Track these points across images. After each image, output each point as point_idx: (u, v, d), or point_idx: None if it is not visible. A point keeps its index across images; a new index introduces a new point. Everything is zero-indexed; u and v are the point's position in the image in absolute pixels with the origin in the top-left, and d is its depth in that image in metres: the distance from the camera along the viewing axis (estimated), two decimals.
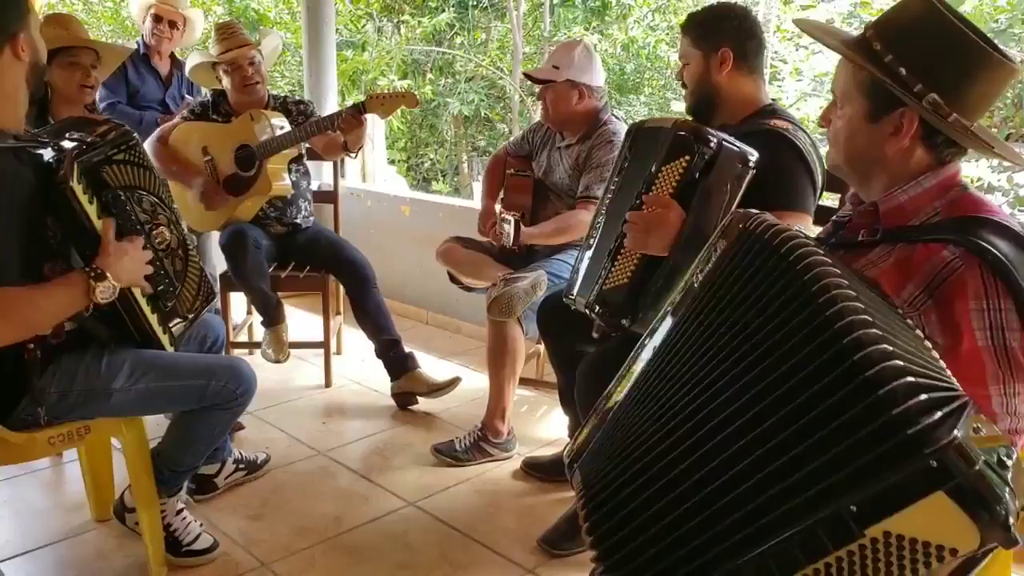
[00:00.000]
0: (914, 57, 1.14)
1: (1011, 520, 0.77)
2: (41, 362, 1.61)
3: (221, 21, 3.10)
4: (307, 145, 3.14)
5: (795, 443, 0.87)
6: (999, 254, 1.05)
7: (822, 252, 0.99)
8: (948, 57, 1.13)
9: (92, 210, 1.56)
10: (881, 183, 1.22)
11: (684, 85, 2.02)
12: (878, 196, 1.23)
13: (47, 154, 1.52)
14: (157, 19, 3.49)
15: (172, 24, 3.52)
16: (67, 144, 1.56)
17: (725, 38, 1.90)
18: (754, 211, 1.12)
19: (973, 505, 0.78)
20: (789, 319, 0.94)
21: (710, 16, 1.96)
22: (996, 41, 1.16)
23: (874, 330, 0.87)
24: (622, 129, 2.69)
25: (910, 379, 0.83)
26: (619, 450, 1.14)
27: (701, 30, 1.94)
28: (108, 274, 1.55)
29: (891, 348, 0.86)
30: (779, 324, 0.95)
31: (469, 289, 2.96)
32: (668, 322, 1.20)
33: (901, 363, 0.85)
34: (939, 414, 0.81)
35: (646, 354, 1.23)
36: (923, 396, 0.82)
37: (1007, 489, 0.79)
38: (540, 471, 2.58)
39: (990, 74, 1.13)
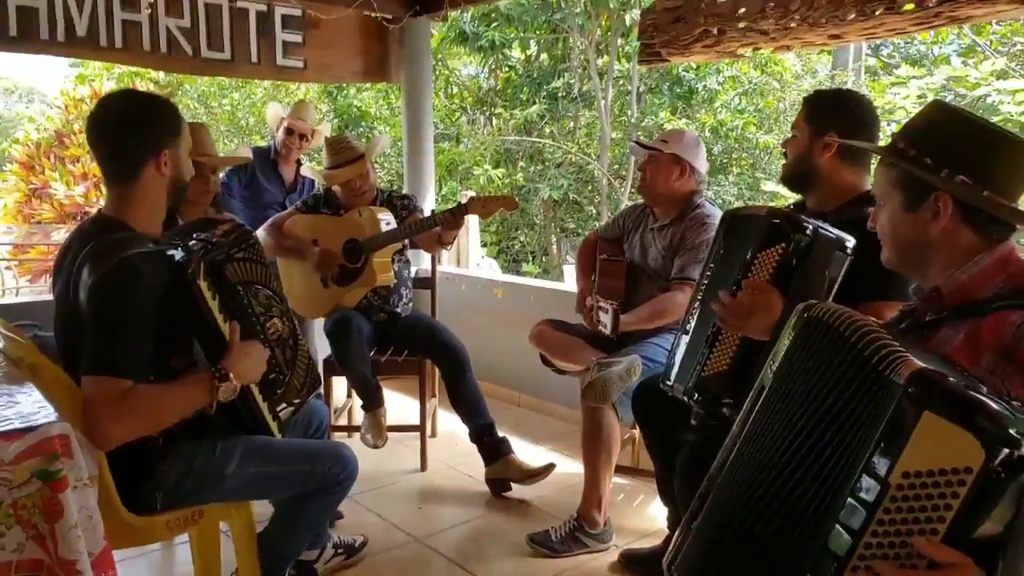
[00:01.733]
0: (936, 148, 1.24)
1: (1009, 428, 0.85)
2: (162, 449, 1.71)
3: (332, 136, 3.32)
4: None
5: (830, 437, 1.03)
6: None
7: (884, 331, 1.06)
8: (966, 144, 1.24)
9: (215, 305, 1.68)
10: (936, 268, 1.28)
11: (785, 155, 2.03)
12: (938, 281, 1.27)
13: (177, 254, 1.66)
14: (289, 132, 3.79)
15: (302, 136, 3.81)
16: (194, 244, 1.70)
17: (835, 124, 1.89)
18: (814, 301, 1.21)
19: (959, 414, 0.87)
20: (838, 384, 1.06)
21: (830, 98, 2.00)
22: None
23: (890, 342, 1.00)
24: (716, 213, 2.71)
25: (899, 349, 0.98)
26: (710, 543, 1.19)
27: (816, 108, 1.96)
28: (231, 374, 1.65)
29: (900, 346, 0.99)
30: (832, 390, 1.07)
31: (562, 372, 2.97)
32: (749, 418, 1.26)
33: (901, 347, 0.98)
34: (911, 357, 0.95)
35: (732, 451, 1.27)
36: (901, 351, 0.97)
37: (991, 400, 0.88)
38: (639, 564, 2.51)
39: (1010, 155, 1.22)
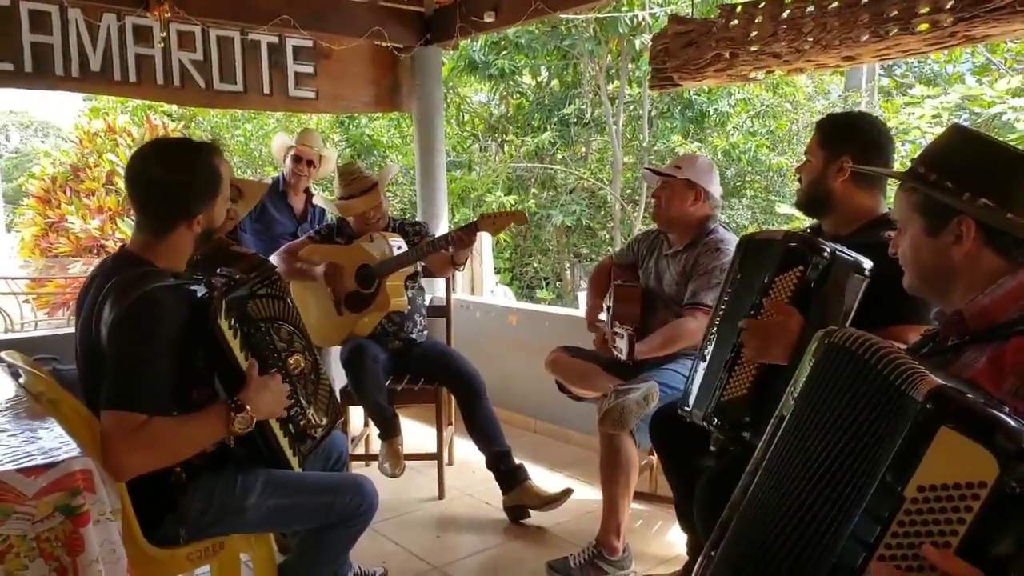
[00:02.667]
0: (957, 172, 1.24)
1: (1018, 435, 0.87)
2: (185, 482, 1.71)
3: (343, 164, 3.35)
4: (422, 263, 3.29)
5: (851, 461, 1.03)
6: None
7: (905, 354, 1.06)
8: (987, 167, 1.23)
9: (236, 344, 1.69)
10: (959, 292, 1.27)
11: (800, 180, 2.03)
12: (960, 305, 1.26)
13: (200, 290, 1.67)
14: (296, 159, 3.82)
15: (310, 163, 3.84)
16: (216, 280, 1.71)
17: (849, 147, 1.89)
18: (835, 327, 1.20)
19: (975, 429, 0.89)
20: (860, 408, 1.06)
21: (843, 122, 1.99)
22: None
23: (910, 362, 1.01)
24: (729, 238, 2.70)
25: (917, 368, 0.99)
26: (731, 571, 1.20)
27: (830, 132, 1.96)
28: (247, 407, 1.66)
29: (920, 366, 1.00)
30: (854, 416, 1.07)
31: (579, 399, 2.96)
32: (771, 446, 1.25)
33: (921, 367, 0.99)
34: (929, 375, 0.97)
35: (754, 479, 1.26)
36: (920, 369, 0.98)
37: (1009, 418, 0.89)
38: None
39: None
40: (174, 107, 9.92)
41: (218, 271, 1.75)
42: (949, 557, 0.90)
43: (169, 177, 1.73)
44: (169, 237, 1.74)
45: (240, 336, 1.70)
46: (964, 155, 1.26)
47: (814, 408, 1.16)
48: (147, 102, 8.90)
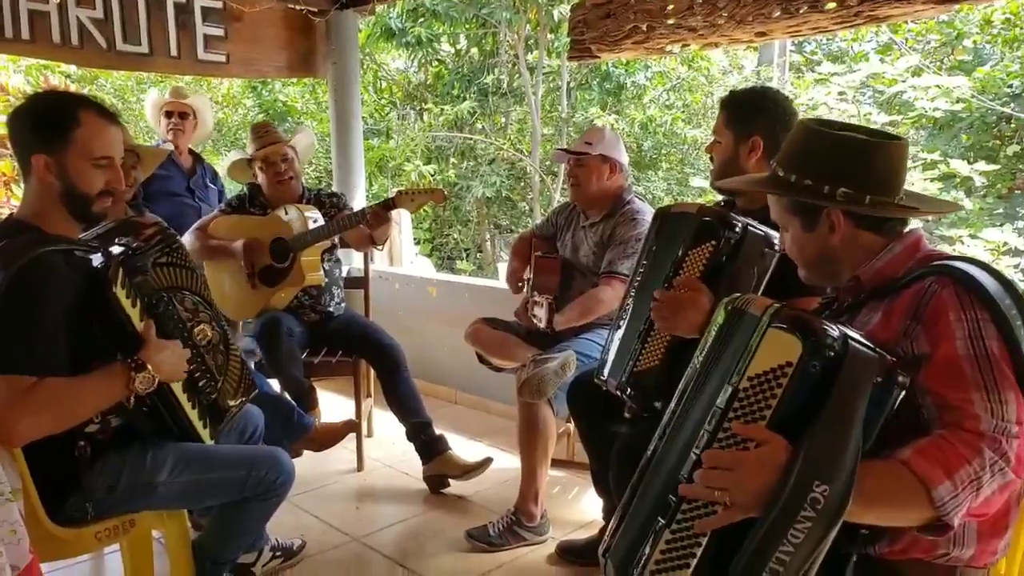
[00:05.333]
0: (813, 168, 1.33)
1: (828, 330, 1.08)
2: (90, 458, 1.65)
3: (256, 122, 3.26)
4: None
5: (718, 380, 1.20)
6: (966, 270, 1.21)
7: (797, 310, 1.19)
8: (838, 156, 1.31)
9: (135, 313, 1.63)
10: (847, 272, 1.37)
11: (712, 159, 2.05)
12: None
13: (96, 259, 1.60)
14: (168, 115, 3.67)
15: (182, 115, 3.68)
16: (115, 249, 1.64)
17: (759, 126, 1.91)
18: (738, 295, 1.32)
19: (791, 324, 1.10)
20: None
21: (748, 100, 1.99)
22: (1012, 106, 1.31)
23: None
24: (645, 208, 2.76)
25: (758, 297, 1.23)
26: (640, 529, 1.25)
27: (737, 112, 1.97)
28: (148, 365, 1.61)
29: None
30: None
31: (498, 369, 2.99)
32: (677, 409, 1.34)
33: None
34: (767, 299, 1.19)
35: (661, 441, 1.34)
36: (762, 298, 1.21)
37: (828, 321, 1.12)
38: (575, 555, 2.55)
39: (879, 155, 1.31)
40: (73, 67, 9.34)
41: (116, 240, 1.68)
42: (755, 428, 1.07)
43: (26, 105, 1.71)
44: (30, 181, 1.67)
45: (140, 305, 1.63)
46: (816, 150, 1.34)
47: (710, 366, 1.25)
48: (43, 61, 8.35)
